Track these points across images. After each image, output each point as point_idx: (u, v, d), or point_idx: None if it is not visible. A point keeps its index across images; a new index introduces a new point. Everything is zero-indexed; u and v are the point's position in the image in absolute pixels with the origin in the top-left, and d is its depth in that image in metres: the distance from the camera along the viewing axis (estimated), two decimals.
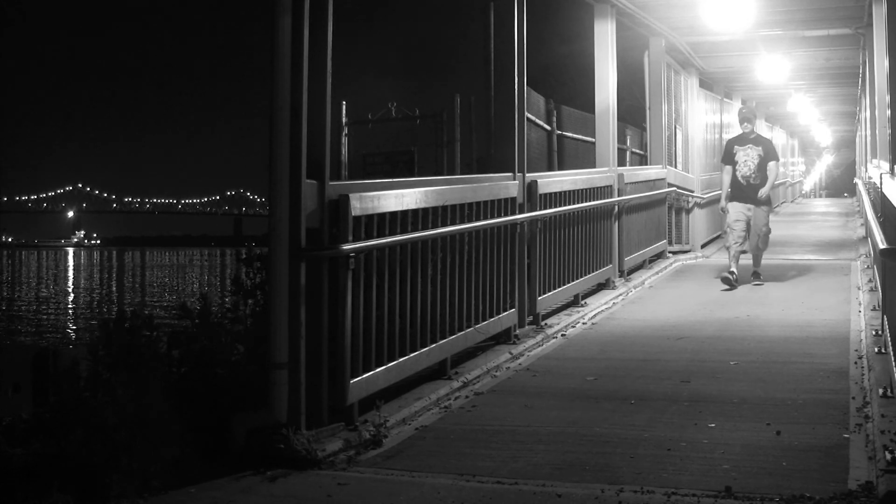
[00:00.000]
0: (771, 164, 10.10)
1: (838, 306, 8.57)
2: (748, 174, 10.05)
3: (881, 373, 5.58)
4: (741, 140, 10.28)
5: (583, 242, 8.86)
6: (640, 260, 11.28)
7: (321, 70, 4.51)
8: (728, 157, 10.26)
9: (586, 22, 11.16)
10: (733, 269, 9.85)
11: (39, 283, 61.85)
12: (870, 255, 11.12)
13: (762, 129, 21.37)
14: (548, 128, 12.08)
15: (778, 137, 30.55)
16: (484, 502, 3.71)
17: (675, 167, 14.22)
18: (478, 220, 6.27)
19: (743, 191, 10.09)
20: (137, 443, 3.84)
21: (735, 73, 17.36)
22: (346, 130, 13.01)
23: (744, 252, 10.19)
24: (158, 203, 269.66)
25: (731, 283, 9.71)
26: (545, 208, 7.67)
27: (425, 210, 5.48)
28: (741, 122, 10.37)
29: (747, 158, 10.06)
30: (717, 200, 17.89)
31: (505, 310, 6.79)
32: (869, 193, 10.82)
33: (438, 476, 4.04)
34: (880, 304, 7.35)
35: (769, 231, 10.29)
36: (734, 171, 10.14)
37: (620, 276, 10.26)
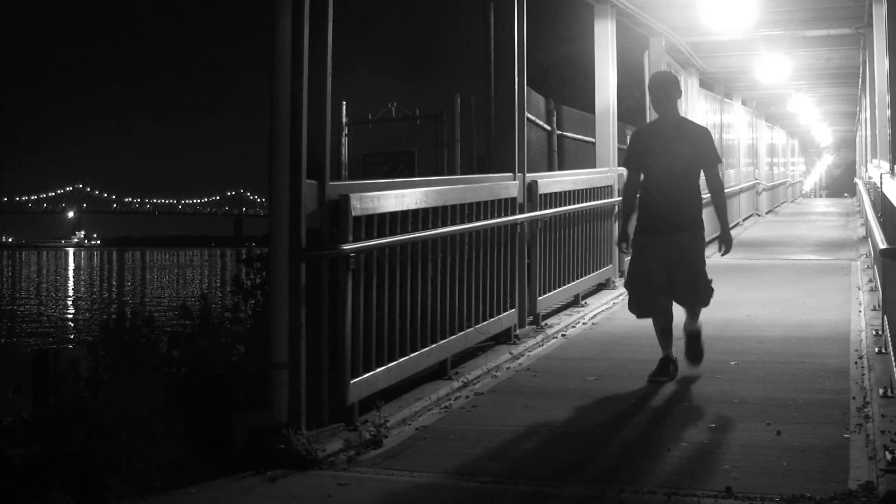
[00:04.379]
0: (711, 172, 5.84)
1: (839, 306, 8.57)
2: (668, 187, 5.72)
3: (881, 373, 5.58)
4: (656, 130, 5.90)
5: (583, 242, 8.86)
6: None
7: (321, 70, 4.51)
8: (635, 159, 5.90)
9: (586, 22, 11.18)
10: (668, 352, 5.82)
11: (40, 283, 61.83)
12: (870, 254, 11.12)
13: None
14: (548, 128, 12.09)
15: (778, 137, 30.52)
16: (484, 502, 3.70)
17: None
18: (478, 220, 6.27)
19: (659, 215, 5.72)
20: (138, 443, 3.84)
21: (735, 73, 17.37)
22: (346, 130, 13.02)
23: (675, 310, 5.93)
24: (159, 203, 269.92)
25: (665, 375, 5.73)
26: (545, 208, 7.67)
27: (425, 210, 5.48)
28: (654, 99, 5.90)
29: (668, 161, 5.72)
30: None
31: (505, 310, 6.79)
32: (869, 193, 10.82)
33: (439, 476, 4.03)
34: (880, 303, 7.35)
35: (707, 278, 5.80)
36: (644, 181, 5.85)
37: (621, 276, 10.25)
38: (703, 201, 5.94)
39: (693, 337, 5.85)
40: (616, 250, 10.07)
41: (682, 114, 6.09)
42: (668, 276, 5.71)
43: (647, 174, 5.83)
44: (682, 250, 5.71)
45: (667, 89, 5.83)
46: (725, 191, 6.15)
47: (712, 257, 12.71)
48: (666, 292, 5.75)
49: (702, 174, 5.83)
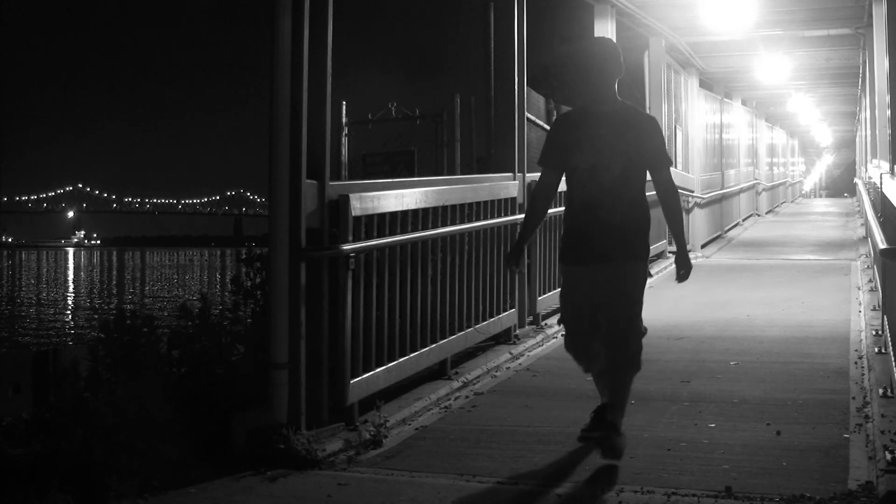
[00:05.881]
0: (660, 176, 4.28)
1: (838, 306, 8.57)
2: (597, 199, 4.17)
3: (881, 373, 5.58)
4: (583, 119, 4.26)
5: None
6: None
7: (321, 70, 4.52)
8: (552, 154, 4.32)
9: (586, 22, 11.17)
10: (609, 418, 4.15)
11: (39, 283, 61.83)
12: (870, 254, 11.12)
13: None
14: (548, 128, 12.08)
15: (778, 137, 30.50)
16: (484, 502, 3.71)
17: (675, 167, 14.23)
18: (478, 220, 6.27)
19: (585, 238, 4.23)
20: (137, 443, 3.85)
21: (735, 73, 17.38)
22: (346, 130, 13.03)
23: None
24: (158, 203, 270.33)
25: (601, 430, 4.10)
26: None
27: (425, 210, 5.48)
28: (583, 75, 4.27)
29: (597, 163, 4.15)
30: (718, 200, 18.02)
31: (505, 310, 6.78)
32: (869, 193, 10.83)
33: (438, 476, 4.03)
34: (880, 304, 7.35)
35: (642, 326, 4.38)
36: (567, 190, 4.35)
37: None
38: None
39: (604, 427, 4.09)
40: None
41: (621, 98, 4.32)
42: (595, 316, 4.27)
43: (570, 181, 4.27)
44: (613, 287, 4.20)
45: (602, 62, 4.21)
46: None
47: (712, 258, 12.61)
48: (593, 335, 4.31)
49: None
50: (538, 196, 4.46)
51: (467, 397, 5.47)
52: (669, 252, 12.90)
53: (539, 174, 4.45)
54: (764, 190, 24.30)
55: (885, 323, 6.30)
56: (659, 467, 4.05)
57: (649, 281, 5.04)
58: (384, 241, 4.96)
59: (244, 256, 5.04)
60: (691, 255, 10.67)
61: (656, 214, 5.02)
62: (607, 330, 4.24)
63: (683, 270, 4.39)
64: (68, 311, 38.28)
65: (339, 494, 3.81)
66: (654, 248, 11.98)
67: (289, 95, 4.30)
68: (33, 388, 4.59)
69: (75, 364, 4.37)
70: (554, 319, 7.96)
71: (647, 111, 13.24)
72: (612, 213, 4.18)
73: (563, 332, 4.50)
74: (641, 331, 4.33)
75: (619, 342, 4.22)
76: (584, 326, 4.31)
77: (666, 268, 11.87)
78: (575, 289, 4.33)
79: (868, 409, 4.90)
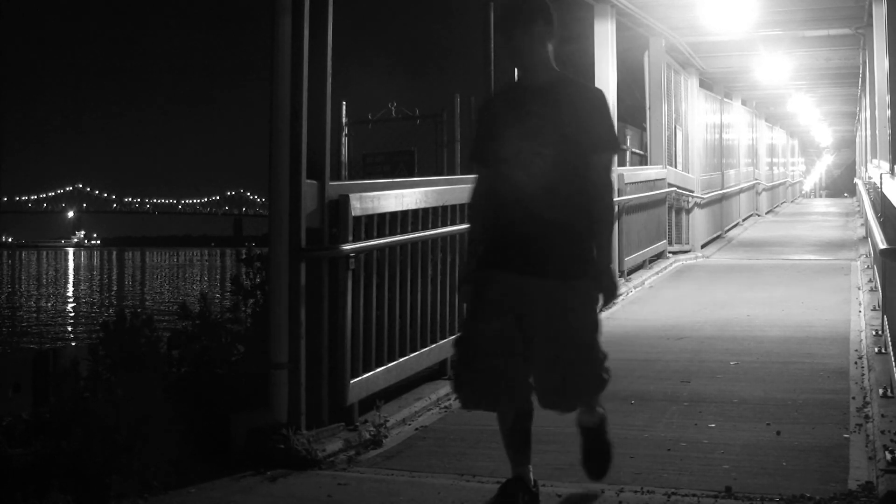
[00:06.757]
0: (598, 161, 3.28)
1: (838, 306, 8.56)
2: (530, 195, 3.25)
3: (881, 373, 5.58)
4: (511, 97, 3.55)
5: None
6: (640, 260, 11.28)
7: (321, 70, 4.52)
8: (481, 147, 3.46)
9: (586, 22, 11.17)
10: (522, 470, 3.43)
11: (40, 283, 61.86)
12: (870, 255, 11.12)
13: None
14: None
15: (778, 137, 30.51)
16: (484, 502, 3.70)
17: (675, 167, 14.23)
18: None
19: (516, 242, 3.30)
20: (137, 443, 3.85)
21: (735, 73, 17.39)
22: (346, 130, 13.06)
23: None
24: (158, 203, 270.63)
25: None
26: None
27: (425, 210, 5.47)
28: (505, 42, 3.56)
29: (529, 149, 3.27)
30: (717, 200, 18.02)
31: None
32: (869, 193, 10.83)
33: (438, 476, 4.03)
34: (880, 304, 7.35)
35: (602, 355, 3.50)
36: (497, 184, 3.35)
37: (620, 277, 10.22)
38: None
39: (593, 434, 3.59)
40: (615, 250, 9.98)
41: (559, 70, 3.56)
42: (525, 341, 3.29)
43: (499, 172, 3.36)
44: (552, 308, 3.27)
45: (523, 19, 3.39)
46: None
47: (712, 258, 12.61)
48: (518, 364, 3.29)
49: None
50: (475, 205, 3.49)
51: None
52: (669, 252, 12.89)
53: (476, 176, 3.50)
54: (764, 190, 24.30)
55: (885, 323, 6.30)
56: (659, 467, 4.05)
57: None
58: (384, 241, 4.96)
59: (244, 256, 5.04)
60: (691, 255, 10.66)
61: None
62: (544, 361, 3.28)
63: (604, 294, 3.39)
64: (70, 313, 38.28)
65: (339, 494, 3.81)
66: (653, 249, 11.99)
67: (289, 95, 4.30)
68: (33, 388, 4.59)
69: (75, 364, 4.37)
70: None
71: (647, 111, 13.24)
72: (547, 210, 3.25)
73: (459, 377, 3.36)
74: (601, 358, 3.45)
75: (571, 379, 3.29)
76: (491, 346, 3.26)
77: (665, 268, 11.88)
78: (491, 296, 3.31)
79: (868, 409, 4.90)
